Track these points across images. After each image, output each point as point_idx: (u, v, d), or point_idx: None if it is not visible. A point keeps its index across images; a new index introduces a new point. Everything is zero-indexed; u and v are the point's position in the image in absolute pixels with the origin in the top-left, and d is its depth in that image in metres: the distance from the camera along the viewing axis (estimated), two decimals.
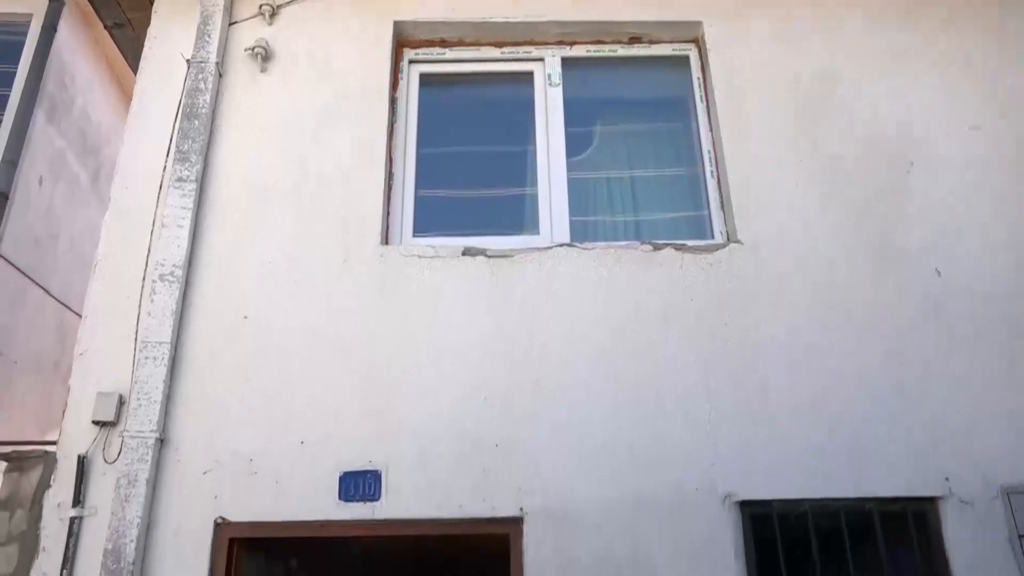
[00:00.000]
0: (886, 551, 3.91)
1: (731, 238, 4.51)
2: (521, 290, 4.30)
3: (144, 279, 4.27)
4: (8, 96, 6.12)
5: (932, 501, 3.95)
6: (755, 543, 3.91)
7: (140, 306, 4.21)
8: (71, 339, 4.07)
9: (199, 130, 4.59)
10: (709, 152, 4.82)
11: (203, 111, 4.64)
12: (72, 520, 3.88)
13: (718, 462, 3.97)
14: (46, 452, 4.05)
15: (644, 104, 5.11)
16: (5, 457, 4.07)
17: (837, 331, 4.23)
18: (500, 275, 4.33)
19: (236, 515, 3.90)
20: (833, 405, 4.08)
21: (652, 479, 3.93)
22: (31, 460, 4.04)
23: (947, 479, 3.96)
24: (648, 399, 4.07)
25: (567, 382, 4.10)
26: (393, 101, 4.91)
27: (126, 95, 7.92)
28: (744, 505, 3.94)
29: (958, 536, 3.89)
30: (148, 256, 4.32)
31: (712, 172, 4.78)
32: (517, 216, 4.76)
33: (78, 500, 3.91)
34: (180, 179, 4.45)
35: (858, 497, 3.94)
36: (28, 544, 3.88)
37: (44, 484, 3.97)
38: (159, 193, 4.46)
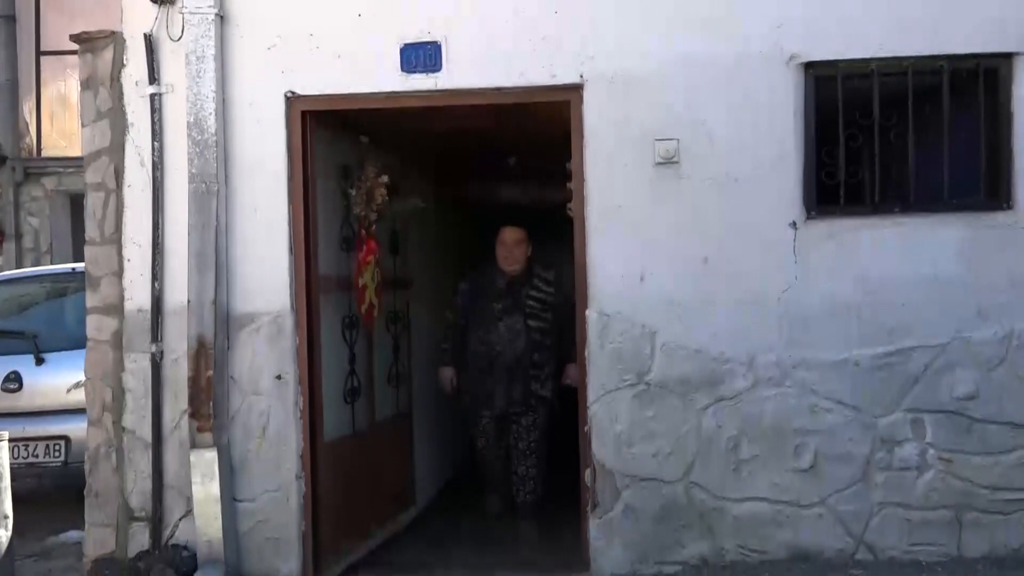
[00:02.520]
0: (950, 112, 3.88)
1: None
2: None
3: None
4: None
5: (1008, 57, 3.82)
6: (816, 105, 3.91)
7: None
8: None
9: None
10: None
11: None
12: (152, 97, 4.07)
13: (785, 22, 3.83)
14: (113, 32, 4.13)
15: None
16: (76, 38, 4.18)
17: None
18: None
19: (303, 89, 4.03)
20: None
21: (715, 40, 3.84)
22: (101, 40, 4.14)
23: None
24: None
25: None
26: None
27: None
28: (809, 67, 3.87)
29: None
30: None
31: None
32: None
33: (153, 78, 4.07)
34: None
35: (930, 55, 3.84)
36: (117, 120, 4.13)
37: (119, 63, 4.11)
38: None
